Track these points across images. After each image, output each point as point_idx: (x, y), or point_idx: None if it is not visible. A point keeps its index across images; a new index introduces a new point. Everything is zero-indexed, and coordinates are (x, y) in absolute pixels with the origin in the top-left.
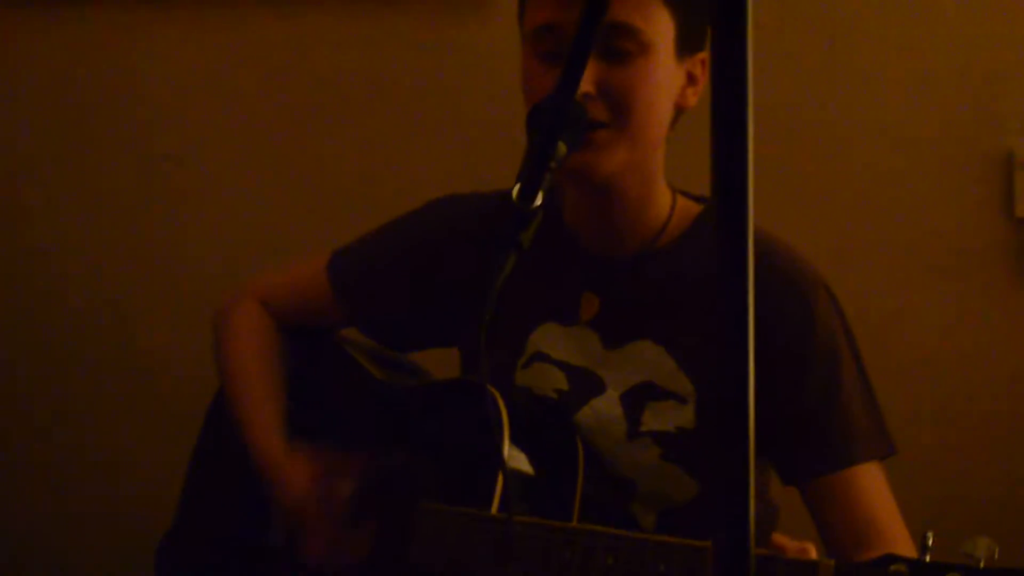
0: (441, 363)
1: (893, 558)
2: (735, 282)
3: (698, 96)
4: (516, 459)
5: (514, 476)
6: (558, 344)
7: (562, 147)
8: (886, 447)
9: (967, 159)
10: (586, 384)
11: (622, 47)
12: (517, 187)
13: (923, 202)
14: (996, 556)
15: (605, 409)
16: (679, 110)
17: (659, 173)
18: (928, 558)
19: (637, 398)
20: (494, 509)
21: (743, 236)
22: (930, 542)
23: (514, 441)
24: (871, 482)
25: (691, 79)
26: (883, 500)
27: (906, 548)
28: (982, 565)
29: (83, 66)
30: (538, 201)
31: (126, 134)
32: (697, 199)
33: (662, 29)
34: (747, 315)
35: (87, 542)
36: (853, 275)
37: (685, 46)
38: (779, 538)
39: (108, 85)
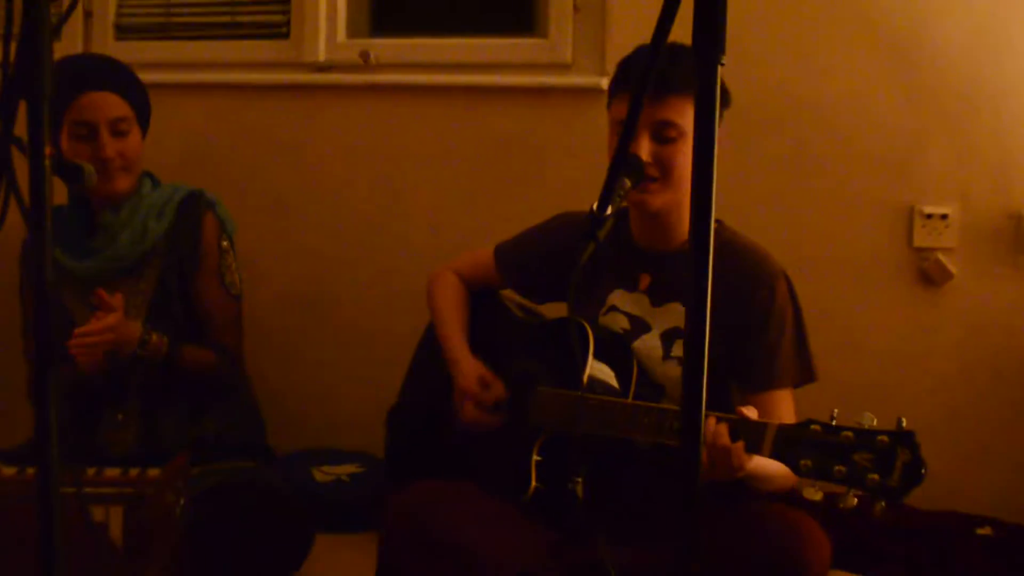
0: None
1: (813, 421)
2: (701, 268)
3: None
4: (598, 367)
5: (596, 376)
6: (624, 302)
7: (627, 181)
8: (804, 378)
9: (883, 208)
10: (640, 326)
11: (667, 135)
12: (596, 203)
13: (853, 235)
14: (875, 424)
15: (650, 342)
16: None
17: (688, 204)
18: (834, 423)
19: (669, 336)
20: (579, 391)
21: (706, 244)
22: (835, 414)
23: (597, 357)
24: (786, 401)
25: None
26: (789, 414)
27: None
28: (874, 424)
29: (382, 140)
30: (608, 211)
31: (388, 188)
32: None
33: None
34: (707, 285)
35: (345, 408)
36: (807, 283)
37: None
38: (741, 408)
39: (388, 155)
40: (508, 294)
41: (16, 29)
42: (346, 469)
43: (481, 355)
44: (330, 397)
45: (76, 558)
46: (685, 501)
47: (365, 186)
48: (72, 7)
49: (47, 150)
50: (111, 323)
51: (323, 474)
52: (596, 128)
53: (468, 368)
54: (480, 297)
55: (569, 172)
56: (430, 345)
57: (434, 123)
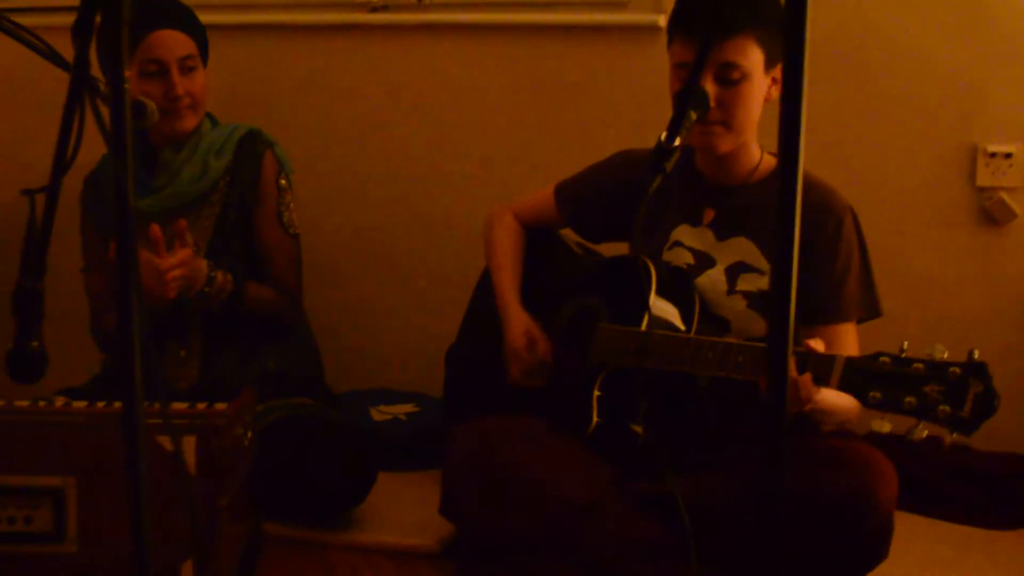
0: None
1: (882, 353)
2: (788, 206)
3: (779, 92)
4: (660, 304)
5: (657, 313)
6: (689, 237)
7: (692, 114)
8: (869, 313)
9: (947, 147)
10: (704, 261)
11: (730, 77)
12: (664, 133)
13: (917, 173)
14: (946, 356)
15: (715, 276)
16: (767, 101)
17: (752, 141)
18: (903, 355)
19: (734, 270)
20: (643, 327)
21: (794, 183)
22: (905, 346)
23: (659, 293)
24: (851, 335)
25: (774, 81)
26: (853, 348)
27: None
28: (945, 356)
29: (410, 80)
30: (676, 143)
31: (421, 125)
32: (776, 155)
33: (755, 59)
34: (794, 227)
35: (401, 348)
36: (871, 222)
37: (770, 63)
38: (808, 341)
39: (407, 91)
40: (566, 233)
41: None
42: (403, 408)
43: (542, 292)
44: (386, 337)
45: (156, 483)
46: (769, 437)
47: (419, 126)
48: None
49: (126, 72)
50: (185, 257)
51: (380, 413)
52: (652, 66)
53: (516, 326)
54: (539, 235)
55: (625, 111)
56: (489, 285)
57: (489, 63)
